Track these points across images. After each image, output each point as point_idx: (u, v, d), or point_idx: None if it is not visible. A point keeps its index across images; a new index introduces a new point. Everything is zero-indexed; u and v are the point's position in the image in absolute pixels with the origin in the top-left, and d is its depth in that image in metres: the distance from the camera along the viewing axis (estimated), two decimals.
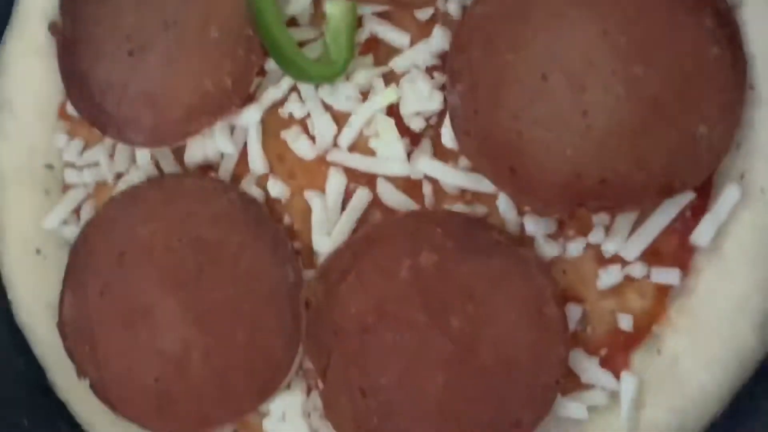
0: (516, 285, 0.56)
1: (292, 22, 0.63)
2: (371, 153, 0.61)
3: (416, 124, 0.60)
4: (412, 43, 0.61)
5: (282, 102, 0.63)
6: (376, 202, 0.61)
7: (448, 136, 0.59)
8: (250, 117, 0.63)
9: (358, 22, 0.62)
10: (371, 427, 0.58)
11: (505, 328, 0.56)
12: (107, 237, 0.64)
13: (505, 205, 0.58)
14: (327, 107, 0.62)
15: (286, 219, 0.63)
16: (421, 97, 0.60)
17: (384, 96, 0.61)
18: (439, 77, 0.60)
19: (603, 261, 0.57)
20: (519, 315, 0.56)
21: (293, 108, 0.63)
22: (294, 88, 0.63)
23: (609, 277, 0.56)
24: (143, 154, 0.66)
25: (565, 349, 0.55)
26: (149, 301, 0.62)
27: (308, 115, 0.63)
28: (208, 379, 0.62)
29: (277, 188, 0.63)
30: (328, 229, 0.62)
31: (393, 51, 0.62)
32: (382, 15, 0.62)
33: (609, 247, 0.56)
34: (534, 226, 0.58)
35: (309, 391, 0.62)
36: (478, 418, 0.56)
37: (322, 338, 0.59)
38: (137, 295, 0.63)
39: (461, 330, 0.57)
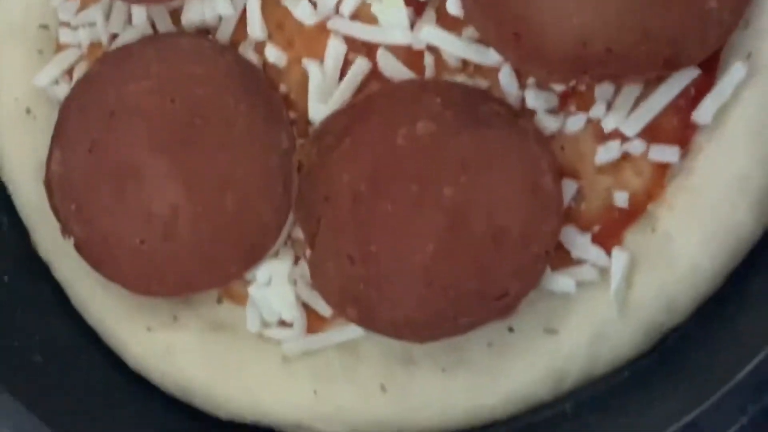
0: (513, 156, 0.55)
1: None
2: (373, 22, 0.60)
3: None
4: None
5: None
6: (375, 74, 0.60)
7: (452, 4, 0.57)
8: None
9: None
10: (357, 294, 0.57)
11: (498, 199, 0.55)
12: (98, 94, 0.62)
13: (507, 77, 0.57)
14: None
15: (283, 88, 0.62)
16: None
17: None
18: None
19: (602, 138, 0.56)
20: (514, 186, 0.55)
21: None
22: None
23: (607, 152, 0.56)
24: (140, 14, 0.64)
25: (557, 221, 0.55)
26: (138, 161, 0.61)
27: None
28: (194, 242, 0.61)
29: (274, 54, 0.61)
30: (324, 98, 0.60)
31: None
32: None
33: (609, 122, 0.55)
34: (535, 100, 0.56)
35: (297, 261, 0.61)
36: (466, 288, 0.55)
37: (313, 204, 0.58)
38: (126, 154, 0.61)
39: (454, 200, 0.56)
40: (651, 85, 0.55)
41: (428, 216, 0.56)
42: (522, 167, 0.55)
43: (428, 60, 0.59)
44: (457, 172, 0.56)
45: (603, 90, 0.56)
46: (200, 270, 0.61)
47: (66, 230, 0.63)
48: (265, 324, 0.62)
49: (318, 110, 0.60)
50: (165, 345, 0.63)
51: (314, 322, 0.61)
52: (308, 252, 0.59)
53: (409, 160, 0.57)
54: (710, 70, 0.55)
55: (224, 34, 0.63)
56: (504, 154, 0.55)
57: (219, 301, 0.63)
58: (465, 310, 0.56)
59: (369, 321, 0.58)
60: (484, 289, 0.55)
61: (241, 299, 0.63)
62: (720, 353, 0.50)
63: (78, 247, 0.63)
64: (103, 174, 0.62)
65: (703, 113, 0.54)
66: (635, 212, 0.56)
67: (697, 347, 0.53)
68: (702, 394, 0.46)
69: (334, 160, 0.58)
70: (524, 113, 0.57)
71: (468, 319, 0.56)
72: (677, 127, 0.55)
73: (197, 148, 0.61)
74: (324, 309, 0.60)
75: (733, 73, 0.54)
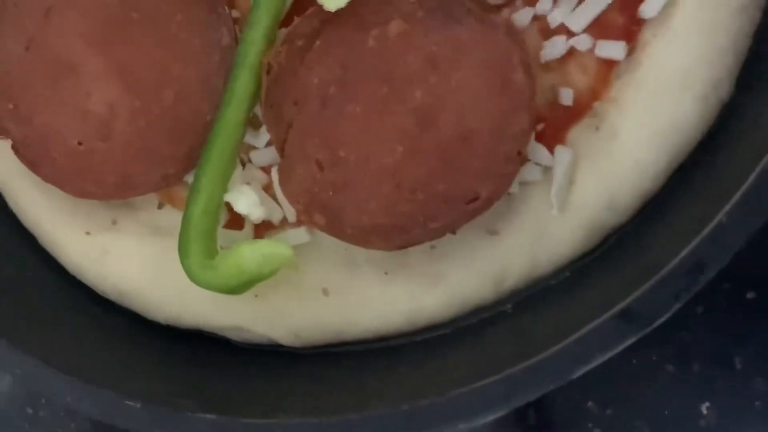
0: (483, 52, 0.53)
1: None
2: None
3: None
4: None
5: None
6: None
7: None
8: None
9: None
10: (325, 201, 0.55)
11: (468, 98, 0.53)
12: None
13: None
14: None
15: None
16: None
17: None
18: None
19: (548, 33, 0.55)
20: (484, 83, 0.53)
21: None
22: None
23: (553, 48, 0.54)
24: None
25: (529, 119, 0.53)
26: (76, 58, 0.59)
27: None
28: (131, 142, 0.59)
29: None
30: None
31: None
32: None
33: (556, 16, 0.54)
34: None
35: (243, 165, 0.60)
36: (434, 191, 0.54)
37: (282, 109, 0.56)
38: (64, 51, 0.59)
39: (423, 101, 0.54)
40: None
41: (397, 118, 0.54)
42: (492, 63, 0.53)
43: None
44: (426, 72, 0.54)
45: None
46: (138, 171, 0.59)
47: (2, 130, 0.61)
48: None
49: None
50: (103, 248, 0.61)
51: (260, 228, 0.60)
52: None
53: (379, 62, 0.54)
54: None
55: None
56: (474, 50, 0.53)
57: (160, 206, 0.62)
58: (434, 213, 0.54)
59: (337, 228, 0.56)
60: (453, 192, 0.53)
61: (182, 204, 0.61)
62: (656, 247, 0.49)
63: (15, 148, 0.61)
64: (41, 72, 0.60)
65: (649, 7, 0.53)
66: (580, 110, 0.55)
67: (637, 244, 0.52)
68: (636, 283, 0.45)
69: (304, 64, 0.55)
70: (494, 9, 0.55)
71: (438, 224, 0.54)
72: (624, 23, 0.54)
73: (135, 44, 0.58)
74: (276, 214, 0.59)
75: None
